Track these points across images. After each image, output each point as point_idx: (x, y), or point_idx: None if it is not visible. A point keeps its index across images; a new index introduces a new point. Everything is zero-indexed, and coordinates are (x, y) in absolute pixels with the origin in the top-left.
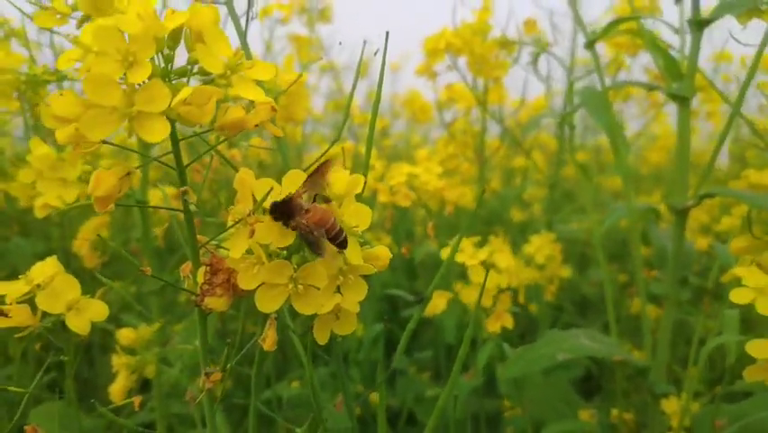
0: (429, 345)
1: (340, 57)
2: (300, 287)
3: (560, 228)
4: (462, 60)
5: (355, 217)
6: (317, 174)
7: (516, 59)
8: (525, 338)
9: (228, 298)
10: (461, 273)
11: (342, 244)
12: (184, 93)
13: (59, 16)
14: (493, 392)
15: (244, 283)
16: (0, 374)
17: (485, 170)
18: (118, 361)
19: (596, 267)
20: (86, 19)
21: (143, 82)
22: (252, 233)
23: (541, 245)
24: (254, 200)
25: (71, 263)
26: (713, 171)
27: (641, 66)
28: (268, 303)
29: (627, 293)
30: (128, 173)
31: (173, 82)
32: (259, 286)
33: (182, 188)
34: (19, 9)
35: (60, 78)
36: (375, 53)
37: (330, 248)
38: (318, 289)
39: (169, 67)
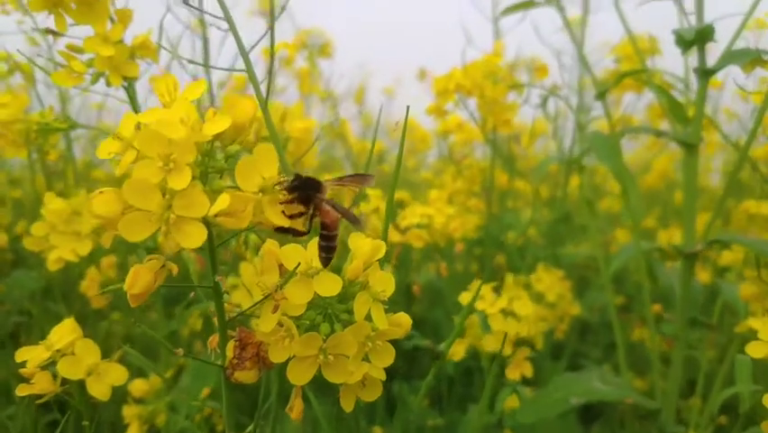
0: (429, 372)
1: (338, 85)
2: (330, 357)
3: (559, 252)
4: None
5: (381, 284)
6: (356, 176)
7: (525, 99)
8: None
9: (257, 371)
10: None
11: (330, 249)
12: (221, 204)
13: (75, 75)
14: (500, 424)
15: (275, 357)
16: (2, 414)
17: (492, 204)
18: (129, 412)
19: (596, 291)
20: (100, 75)
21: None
22: (277, 308)
23: (551, 283)
24: (281, 271)
25: (72, 296)
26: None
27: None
28: (299, 376)
29: (628, 318)
30: (162, 266)
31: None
32: (289, 359)
33: (217, 279)
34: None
35: (72, 125)
36: (400, 122)
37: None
38: (347, 357)
39: (207, 162)
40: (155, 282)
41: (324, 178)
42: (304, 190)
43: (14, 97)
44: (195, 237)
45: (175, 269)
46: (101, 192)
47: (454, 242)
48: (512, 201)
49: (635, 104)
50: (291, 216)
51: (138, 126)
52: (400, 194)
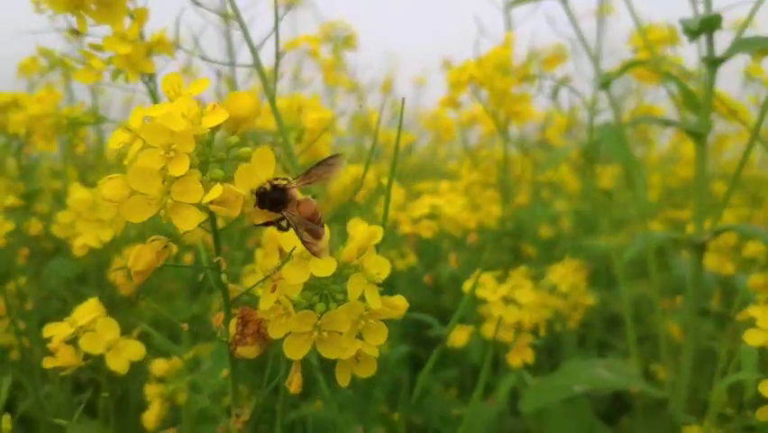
0: (454, 363)
1: (364, 75)
2: (324, 333)
3: (587, 245)
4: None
5: (376, 266)
6: (322, 166)
7: (538, 89)
8: (551, 354)
9: (258, 346)
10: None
11: (317, 234)
12: (213, 194)
13: (95, 72)
14: (516, 411)
15: (274, 333)
16: (39, 393)
17: (508, 195)
18: (152, 390)
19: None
20: (120, 71)
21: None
22: (275, 288)
23: (565, 274)
24: (281, 254)
25: (104, 283)
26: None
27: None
28: (295, 350)
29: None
30: (165, 246)
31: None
32: (286, 334)
33: (216, 259)
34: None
35: (98, 119)
36: None
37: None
38: (341, 334)
39: (208, 153)
40: (157, 261)
41: (291, 178)
42: (270, 207)
43: (50, 93)
44: (190, 220)
45: (175, 249)
46: (110, 178)
47: (469, 232)
48: (546, 192)
49: (656, 93)
50: (267, 223)
51: (146, 119)
52: (424, 185)
